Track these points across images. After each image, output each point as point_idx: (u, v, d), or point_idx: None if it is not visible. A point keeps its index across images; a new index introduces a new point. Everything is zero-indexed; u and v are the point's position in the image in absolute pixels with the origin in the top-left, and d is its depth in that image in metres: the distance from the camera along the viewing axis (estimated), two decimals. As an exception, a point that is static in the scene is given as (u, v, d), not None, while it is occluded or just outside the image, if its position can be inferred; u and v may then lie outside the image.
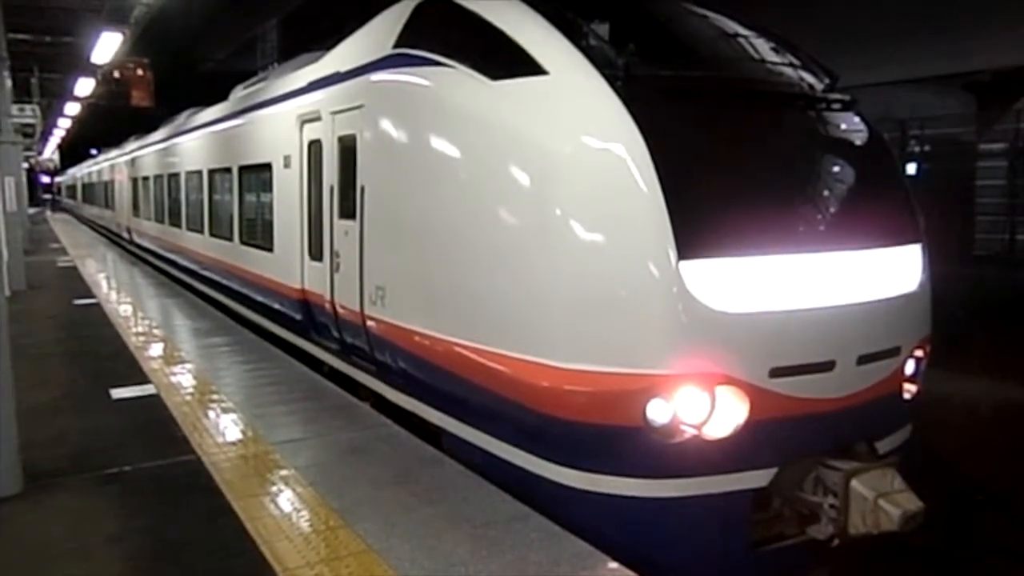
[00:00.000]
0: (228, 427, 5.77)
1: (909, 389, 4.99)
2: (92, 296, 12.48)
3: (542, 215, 4.46)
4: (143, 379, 7.15)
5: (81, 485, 4.74)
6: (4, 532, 4.16)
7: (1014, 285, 18.88)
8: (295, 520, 4.19)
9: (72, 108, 29.47)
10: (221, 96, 12.56)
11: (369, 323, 6.10)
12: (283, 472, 4.87)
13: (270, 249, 8.72)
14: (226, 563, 3.77)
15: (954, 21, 13.56)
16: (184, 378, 7.20)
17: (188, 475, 4.86)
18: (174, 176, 14.68)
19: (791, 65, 5.41)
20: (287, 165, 8.07)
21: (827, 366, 4.39)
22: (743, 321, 4.19)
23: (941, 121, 23.39)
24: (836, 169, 5.11)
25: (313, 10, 22.24)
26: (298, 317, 7.88)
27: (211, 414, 6.08)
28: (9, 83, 15.27)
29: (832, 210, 4.81)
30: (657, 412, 4.15)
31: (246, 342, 8.79)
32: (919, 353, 4.99)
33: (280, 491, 4.59)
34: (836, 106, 5.21)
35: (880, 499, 4.17)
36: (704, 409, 4.14)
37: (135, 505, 4.45)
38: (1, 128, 14.30)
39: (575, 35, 4.86)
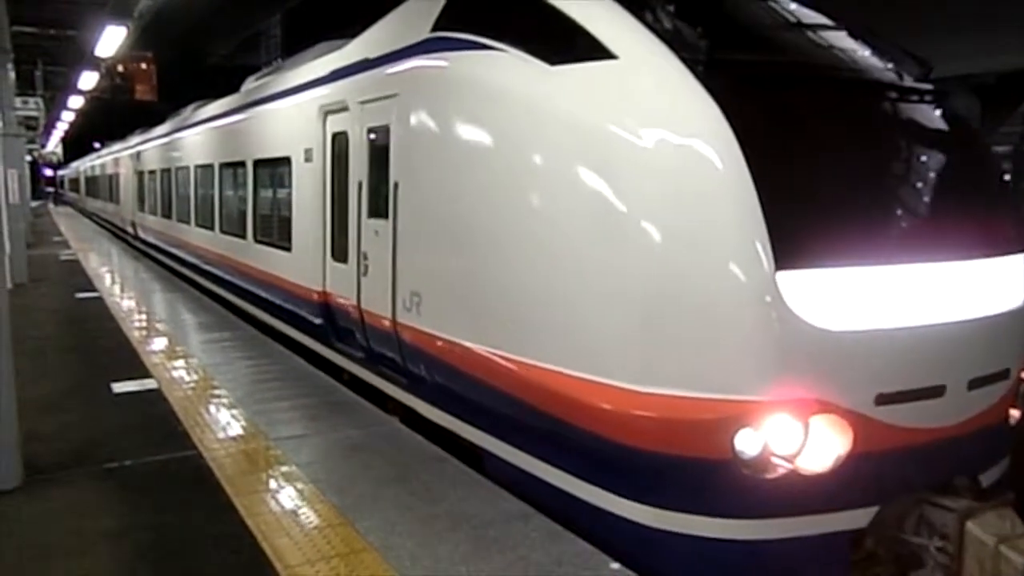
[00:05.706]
0: (229, 423, 5.76)
1: (1013, 415, 4.48)
2: (94, 290, 12.48)
3: (610, 217, 3.92)
4: (144, 373, 7.14)
5: (81, 479, 4.73)
6: (4, 526, 4.14)
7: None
8: (296, 517, 4.18)
9: (76, 101, 29.46)
10: (225, 90, 12.52)
11: (402, 332, 5.67)
12: (284, 469, 4.86)
13: (288, 248, 8.31)
14: (227, 559, 3.76)
15: (959, 23, 13.52)
16: (185, 373, 7.19)
17: (189, 470, 4.85)
18: (183, 170, 14.35)
19: (880, 52, 4.81)
20: (308, 159, 7.63)
21: (937, 391, 3.91)
22: (848, 340, 3.67)
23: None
24: (945, 169, 4.49)
25: (316, 5, 22.26)
26: (318, 321, 7.49)
27: (212, 409, 6.07)
28: (13, 76, 15.29)
29: (943, 216, 4.23)
30: (747, 443, 3.65)
31: (248, 337, 8.78)
32: None
33: (281, 488, 4.58)
34: (930, 98, 4.61)
35: (1002, 545, 3.71)
36: (799, 440, 3.65)
37: (135, 500, 4.45)
38: (4, 121, 14.29)
39: (645, 15, 4.29)
